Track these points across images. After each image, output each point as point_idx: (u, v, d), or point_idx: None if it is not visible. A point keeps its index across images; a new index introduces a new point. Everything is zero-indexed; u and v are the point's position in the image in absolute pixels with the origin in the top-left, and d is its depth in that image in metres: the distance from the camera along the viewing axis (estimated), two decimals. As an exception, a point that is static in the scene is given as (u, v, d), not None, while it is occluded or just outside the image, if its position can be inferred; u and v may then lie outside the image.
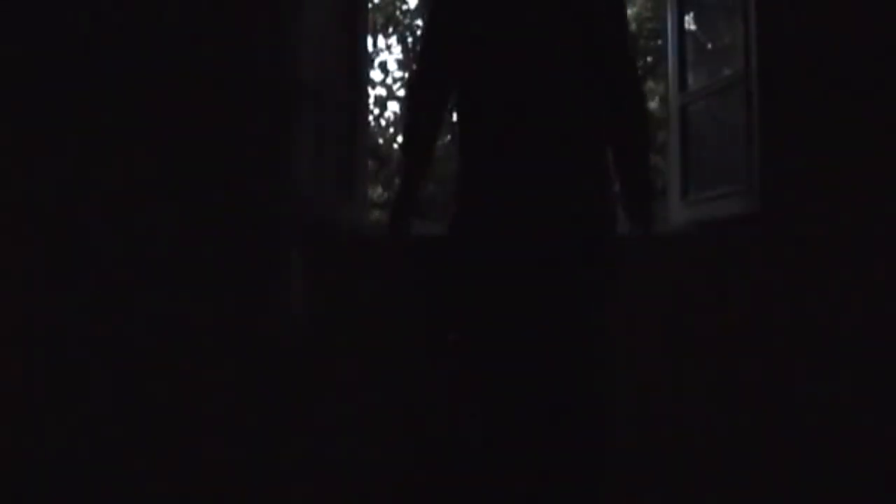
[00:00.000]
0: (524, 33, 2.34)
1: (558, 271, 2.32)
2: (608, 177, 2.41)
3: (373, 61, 13.00)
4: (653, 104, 10.42)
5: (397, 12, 12.82)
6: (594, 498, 2.37)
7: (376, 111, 13.12)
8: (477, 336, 2.39)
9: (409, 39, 12.80)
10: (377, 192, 12.51)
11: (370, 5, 4.63)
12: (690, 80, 3.44)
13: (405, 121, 2.51)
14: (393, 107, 13.64)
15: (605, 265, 2.39)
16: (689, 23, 3.47)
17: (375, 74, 13.58)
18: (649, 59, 11.32)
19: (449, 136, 11.09)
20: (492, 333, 2.35)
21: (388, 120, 13.16)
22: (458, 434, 2.79)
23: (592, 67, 2.36)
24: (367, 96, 3.42)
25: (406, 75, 12.96)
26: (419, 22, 12.75)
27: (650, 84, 10.82)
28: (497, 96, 2.36)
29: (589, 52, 2.35)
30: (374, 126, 12.97)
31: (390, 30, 12.90)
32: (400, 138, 12.83)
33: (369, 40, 10.68)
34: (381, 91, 13.47)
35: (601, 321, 2.40)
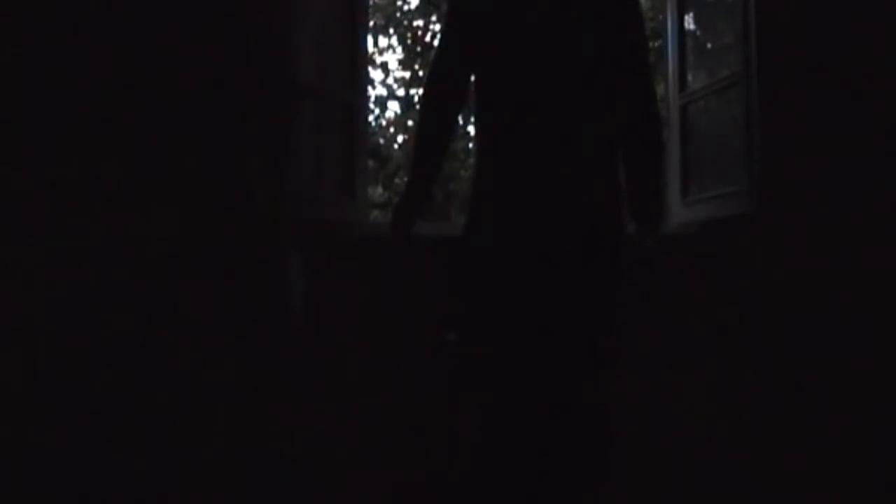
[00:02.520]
0: (536, 36, 2.34)
1: (568, 271, 2.32)
2: (619, 178, 2.41)
3: (373, 61, 13.00)
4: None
5: (397, 13, 12.82)
6: (596, 497, 2.37)
7: (376, 111, 13.12)
8: (486, 335, 2.39)
9: (410, 40, 12.79)
10: (377, 192, 12.51)
11: (370, 5, 4.64)
12: (690, 80, 3.44)
13: (417, 124, 2.50)
14: (393, 106, 13.65)
15: (616, 265, 2.38)
16: (689, 23, 3.47)
17: (375, 74, 13.59)
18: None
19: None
20: (502, 332, 2.35)
21: (388, 120, 13.17)
22: (460, 433, 2.79)
23: (604, 70, 2.36)
24: (367, 96, 3.42)
25: (407, 75, 12.95)
26: (419, 22, 12.75)
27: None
28: (509, 98, 2.36)
29: (601, 55, 2.35)
30: (374, 126, 12.97)
31: (390, 30, 12.90)
32: (400, 138, 12.86)
33: (369, 40, 10.69)
34: (381, 91, 13.48)
35: (612, 320, 2.40)
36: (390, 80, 14.68)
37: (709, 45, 3.46)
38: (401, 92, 13.07)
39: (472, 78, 2.46)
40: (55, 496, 2.89)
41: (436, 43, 2.65)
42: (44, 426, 2.91)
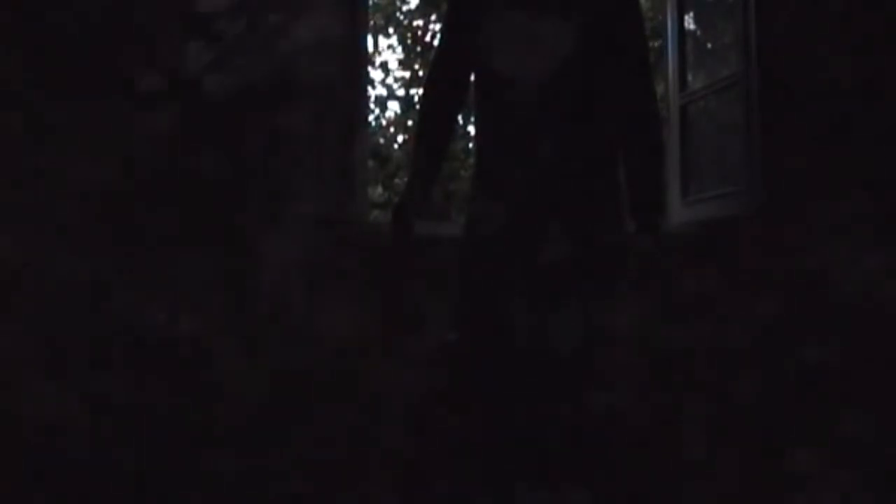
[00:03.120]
0: (536, 35, 2.34)
1: (566, 272, 2.32)
2: (618, 180, 2.41)
3: (373, 61, 13.00)
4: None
5: (397, 13, 12.82)
6: (594, 497, 2.37)
7: (376, 111, 13.12)
8: (484, 335, 2.39)
9: (410, 40, 12.79)
10: (377, 192, 12.51)
11: (370, 5, 4.63)
12: (690, 80, 3.44)
13: (417, 123, 2.50)
14: (393, 106, 13.65)
15: (613, 267, 2.39)
16: (689, 23, 3.47)
17: (375, 74, 13.58)
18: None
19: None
20: (500, 332, 2.35)
21: (388, 120, 13.16)
22: (459, 433, 2.79)
23: (604, 70, 2.36)
24: (367, 96, 3.42)
25: (407, 75, 12.95)
26: (419, 22, 12.75)
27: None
28: (508, 98, 2.36)
29: (600, 55, 2.35)
30: (374, 126, 12.97)
31: (390, 30, 12.90)
32: (400, 138, 12.85)
33: (369, 40, 10.68)
34: (381, 91, 13.48)
35: (610, 322, 2.41)
36: (390, 80, 14.68)
37: (709, 45, 3.46)
38: (401, 92, 13.07)
39: (473, 78, 2.46)
40: (55, 496, 2.89)
41: (436, 43, 2.65)
42: (44, 424, 2.91)
